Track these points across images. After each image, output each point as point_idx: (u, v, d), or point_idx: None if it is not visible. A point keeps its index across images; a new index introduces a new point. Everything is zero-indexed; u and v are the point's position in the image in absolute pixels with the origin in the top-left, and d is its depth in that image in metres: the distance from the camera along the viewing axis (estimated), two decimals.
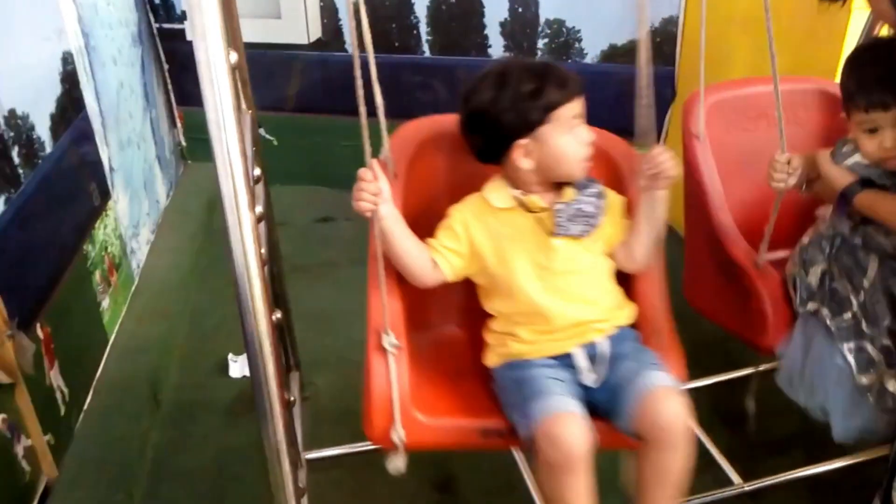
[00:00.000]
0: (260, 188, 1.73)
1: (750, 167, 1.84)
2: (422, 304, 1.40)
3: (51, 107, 2.10)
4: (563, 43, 3.02)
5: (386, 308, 1.26)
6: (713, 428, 1.93)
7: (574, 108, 1.29)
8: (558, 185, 1.33)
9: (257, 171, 1.62)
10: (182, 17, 3.20)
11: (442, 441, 1.27)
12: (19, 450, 1.74)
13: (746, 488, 1.90)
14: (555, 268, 1.27)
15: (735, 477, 1.92)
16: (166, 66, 3.28)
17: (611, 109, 3.16)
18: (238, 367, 2.39)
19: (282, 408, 1.10)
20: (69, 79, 2.24)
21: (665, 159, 1.24)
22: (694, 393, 2.15)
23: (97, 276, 2.30)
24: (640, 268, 1.35)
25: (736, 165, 1.56)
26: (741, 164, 1.68)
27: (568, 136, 1.28)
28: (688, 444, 1.19)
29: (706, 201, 1.71)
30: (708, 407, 1.83)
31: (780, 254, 1.98)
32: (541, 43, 3.05)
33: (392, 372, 1.21)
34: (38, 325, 1.87)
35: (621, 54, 3.04)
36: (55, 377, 1.94)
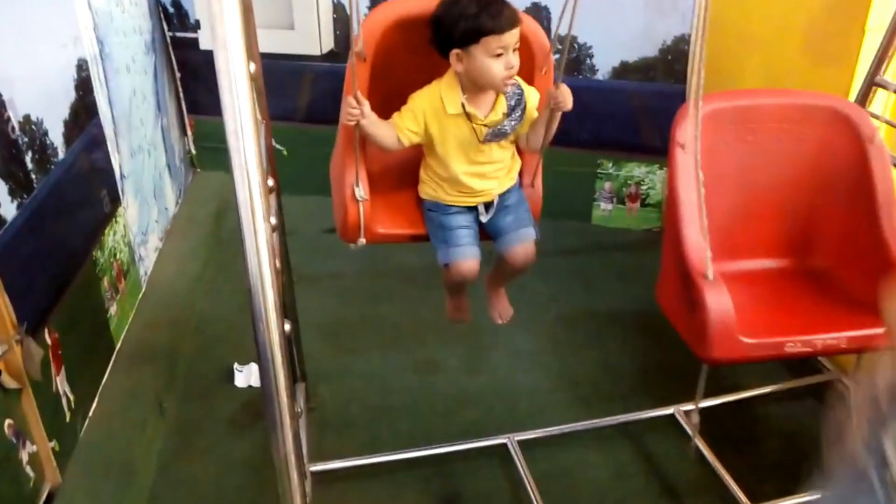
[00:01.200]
0: (273, 198, 1.73)
1: (742, 176, 1.84)
2: (380, 168, 1.92)
3: (64, 113, 2.11)
4: (574, 59, 3.03)
5: (358, 168, 1.73)
6: (721, 448, 1.92)
7: (502, 40, 1.60)
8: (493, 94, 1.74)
9: (271, 182, 1.62)
10: (195, 27, 3.21)
11: (388, 240, 1.89)
12: (24, 456, 1.74)
13: None
14: (478, 159, 1.77)
15: (742, 497, 1.91)
16: (178, 75, 3.30)
17: (623, 125, 3.20)
18: (243, 376, 2.38)
19: (291, 420, 1.10)
20: (83, 85, 2.25)
21: (564, 96, 1.65)
22: (705, 413, 2.16)
23: (105, 282, 2.30)
24: (532, 153, 1.85)
25: (728, 174, 1.55)
26: (733, 173, 1.68)
27: (490, 59, 1.62)
28: (528, 269, 1.86)
29: (676, 209, 1.75)
30: (716, 427, 1.82)
31: (763, 263, 1.98)
32: (555, 59, 3.05)
33: (361, 210, 1.76)
34: (46, 331, 1.87)
35: (632, 71, 3.04)
36: (61, 383, 1.94)
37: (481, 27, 1.60)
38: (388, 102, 1.76)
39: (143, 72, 2.91)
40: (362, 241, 1.80)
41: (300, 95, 3.31)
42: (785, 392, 2.32)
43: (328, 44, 3.16)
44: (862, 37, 2.17)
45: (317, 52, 3.14)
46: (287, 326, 1.18)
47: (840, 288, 1.91)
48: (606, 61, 3.05)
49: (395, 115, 1.76)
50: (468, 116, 1.72)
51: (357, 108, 1.65)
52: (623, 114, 3.12)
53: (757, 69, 2.58)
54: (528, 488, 1.94)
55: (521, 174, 1.89)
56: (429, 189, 1.86)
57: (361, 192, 1.75)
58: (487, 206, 1.85)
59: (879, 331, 1.73)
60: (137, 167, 2.72)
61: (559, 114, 1.71)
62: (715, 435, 2.05)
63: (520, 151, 1.86)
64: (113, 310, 2.34)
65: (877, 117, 2.12)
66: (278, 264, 1.08)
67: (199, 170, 3.52)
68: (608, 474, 2.10)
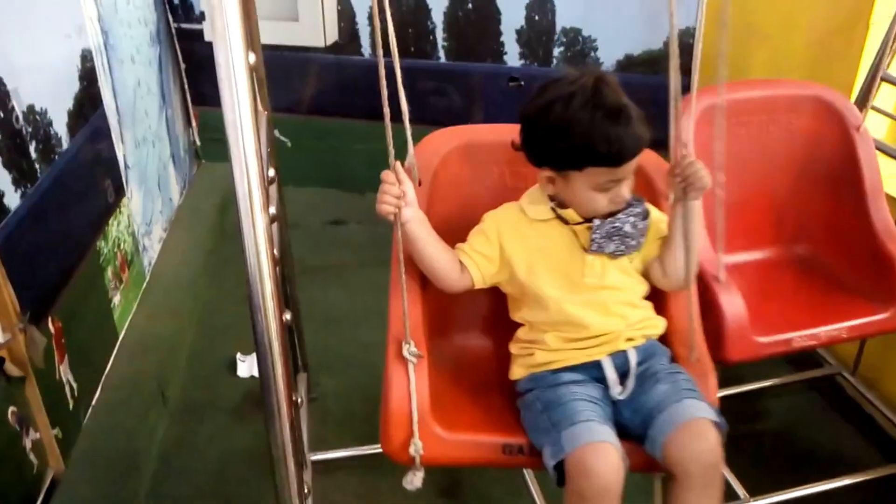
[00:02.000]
0: (274, 189, 1.74)
1: (736, 168, 1.82)
2: (446, 312, 1.37)
3: (69, 103, 2.12)
4: (578, 52, 3.02)
5: (407, 315, 1.20)
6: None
7: (616, 174, 1.19)
8: None
9: (272, 173, 1.63)
10: (200, 18, 3.22)
11: (461, 457, 1.23)
12: (27, 443, 1.75)
13: (753, 503, 1.89)
14: (586, 282, 1.24)
15: (741, 491, 1.91)
16: (183, 66, 3.30)
17: None
18: (246, 366, 2.40)
19: (289, 409, 1.11)
20: (87, 76, 2.26)
21: (696, 168, 1.20)
22: None
23: (109, 272, 2.31)
24: (675, 286, 1.30)
25: (725, 166, 1.56)
26: (727, 167, 1.66)
27: (594, 192, 1.20)
28: (720, 484, 1.15)
29: None
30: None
31: (754, 255, 1.97)
32: (556, 51, 3.06)
33: (412, 383, 1.18)
34: (49, 320, 1.88)
35: (637, 64, 3.04)
36: (65, 372, 1.95)
37: (592, 153, 1.15)
38: (451, 238, 1.34)
39: (148, 63, 2.91)
40: (417, 452, 1.17)
41: (304, 87, 3.31)
42: (785, 386, 2.32)
43: (332, 36, 3.16)
44: (866, 31, 2.16)
45: (321, 45, 3.13)
46: (287, 316, 1.19)
47: (830, 276, 1.92)
48: (611, 54, 3.04)
49: (461, 243, 1.30)
50: (562, 220, 1.24)
51: (395, 185, 1.14)
52: None
53: (762, 62, 2.57)
54: (528, 479, 1.95)
55: (667, 340, 1.32)
56: (523, 359, 1.27)
57: (413, 347, 1.19)
58: (622, 375, 1.22)
59: (876, 318, 1.75)
60: (142, 158, 2.73)
61: (697, 204, 1.21)
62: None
63: (663, 313, 1.30)
64: (116, 299, 2.35)
65: (880, 111, 2.12)
66: (277, 254, 1.09)
67: (203, 161, 3.53)
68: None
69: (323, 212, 3.15)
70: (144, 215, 2.71)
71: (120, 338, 2.36)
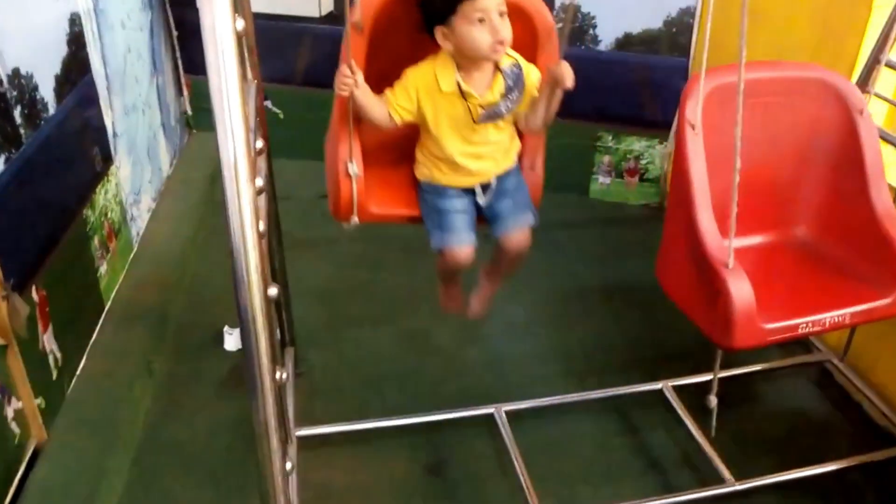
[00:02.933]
0: (262, 160, 1.71)
1: (741, 149, 1.82)
2: (374, 145, 1.83)
3: (56, 68, 2.07)
4: (577, 28, 2.98)
5: (352, 143, 1.66)
6: (708, 424, 1.92)
7: (478, 4, 1.55)
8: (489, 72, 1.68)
9: (260, 143, 1.60)
10: None
11: (382, 219, 1.82)
12: (9, 412, 1.74)
13: (738, 487, 1.90)
14: (473, 139, 1.72)
15: (727, 475, 1.91)
16: (175, 33, 3.25)
17: (624, 98, 3.16)
18: (233, 339, 2.38)
19: (272, 383, 1.09)
20: (76, 40, 2.21)
21: (565, 73, 1.58)
22: (692, 389, 2.16)
23: (96, 241, 2.28)
24: (532, 133, 1.78)
25: (727, 149, 1.53)
26: (732, 150, 1.65)
27: (473, 26, 1.57)
28: (523, 258, 1.82)
29: (690, 197, 1.70)
30: (704, 403, 1.82)
31: (755, 239, 1.96)
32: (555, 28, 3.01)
33: (353, 188, 1.69)
34: (33, 288, 1.86)
35: (636, 43, 3.00)
36: (48, 341, 1.93)
37: None
38: (384, 79, 1.70)
39: (139, 28, 2.86)
40: (355, 220, 1.73)
41: (298, 58, 3.26)
42: (775, 371, 2.32)
43: (327, 6, 3.12)
44: (868, 14, 2.13)
45: (315, 14, 3.09)
46: (273, 290, 1.16)
47: (831, 261, 1.91)
48: (610, 32, 3.01)
49: (388, 90, 1.70)
50: (463, 95, 1.66)
51: (350, 78, 1.58)
52: (625, 86, 3.07)
53: (764, 45, 2.53)
54: (514, 458, 1.94)
55: (520, 156, 1.83)
56: (424, 169, 1.79)
57: (355, 168, 1.68)
58: (485, 188, 1.79)
59: (879, 303, 1.74)
60: (131, 126, 2.69)
61: (560, 92, 1.64)
62: (702, 411, 2.05)
63: (519, 132, 1.80)
64: (103, 269, 2.33)
65: (881, 97, 2.09)
66: (262, 227, 1.06)
67: (194, 130, 3.49)
68: (594, 447, 2.11)
69: (315, 185, 3.09)
70: (133, 184, 2.67)
71: (106, 307, 2.34)
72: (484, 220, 1.82)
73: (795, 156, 1.93)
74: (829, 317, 1.72)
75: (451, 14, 1.57)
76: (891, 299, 1.74)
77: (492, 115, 1.69)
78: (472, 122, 1.69)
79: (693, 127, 1.71)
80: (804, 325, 1.70)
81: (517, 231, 1.78)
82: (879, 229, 1.79)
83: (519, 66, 1.68)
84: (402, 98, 1.69)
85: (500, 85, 1.67)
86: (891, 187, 1.89)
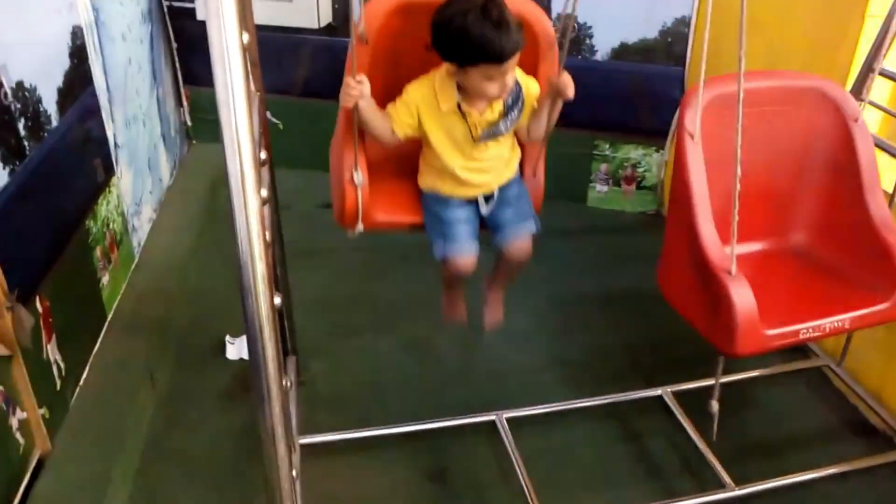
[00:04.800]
0: (265, 171, 1.73)
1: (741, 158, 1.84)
2: (379, 157, 1.86)
3: (58, 80, 2.09)
4: (573, 39, 3.01)
5: (357, 152, 1.70)
6: (706, 429, 1.93)
7: (501, 68, 1.58)
8: None
9: (263, 154, 1.62)
10: None
11: (386, 228, 1.86)
12: (14, 422, 1.75)
13: (738, 492, 1.91)
14: (474, 155, 1.74)
15: (728, 480, 1.93)
16: (175, 45, 3.27)
17: (620, 106, 3.19)
18: (235, 348, 2.39)
19: (279, 391, 1.10)
20: (78, 53, 2.23)
21: (566, 84, 1.63)
22: (691, 395, 2.17)
23: (98, 252, 2.30)
24: (532, 143, 1.81)
25: (725, 157, 1.55)
26: (731, 158, 1.67)
27: (485, 81, 1.60)
28: (527, 263, 1.85)
29: (690, 205, 1.72)
30: (704, 409, 1.83)
31: (754, 246, 1.98)
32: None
33: (359, 196, 1.72)
34: (37, 299, 1.87)
35: (632, 52, 3.03)
36: (52, 351, 1.94)
37: (482, 54, 1.55)
38: (389, 91, 1.72)
39: (139, 41, 2.88)
40: (360, 227, 1.75)
41: (297, 69, 3.28)
42: (773, 376, 2.33)
43: (326, 17, 3.14)
44: (862, 24, 2.16)
45: (315, 26, 3.11)
46: (277, 300, 1.18)
47: (829, 267, 1.93)
48: (606, 42, 3.03)
49: (390, 106, 1.72)
50: (463, 115, 1.68)
51: (356, 88, 1.59)
52: (621, 95, 3.10)
53: (759, 54, 2.56)
54: (515, 465, 1.96)
55: (521, 163, 1.86)
56: (427, 179, 1.82)
57: (360, 176, 1.70)
58: (487, 198, 1.82)
59: (877, 308, 1.75)
60: (132, 137, 2.71)
61: (561, 103, 1.68)
62: (701, 416, 2.06)
63: (520, 141, 1.83)
64: (105, 279, 2.34)
65: (875, 105, 2.12)
66: (268, 237, 1.08)
67: (194, 141, 3.51)
68: (595, 454, 2.12)
69: (315, 194, 3.13)
70: (134, 195, 2.69)
71: (108, 318, 2.35)
72: (486, 227, 1.84)
73: (793, 164, 1.95)
74: (830, 322, 1.74)
75: (471, 65, 1.58)
76: (889, 303, 1.76)
77: (492, 133, 1.71)
78: (472, 140, 1.71)
79: (692, 136, 1.73)
80: (805, 330, 1.72)
81: (519, 240, 1.81)
82: (876, 235, 1.81)
83: (518, 84, 1.69)
84: (404, 114, 1.71)
85: (499, 104, 1.70)
86: (886, 193, 1.91)
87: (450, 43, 1.59)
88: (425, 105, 1.70)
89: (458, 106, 1.68)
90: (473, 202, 1.81)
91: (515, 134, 1.80)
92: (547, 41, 1.74)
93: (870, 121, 2.20)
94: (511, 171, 1.83)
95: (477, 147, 1.73)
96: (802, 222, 2.00)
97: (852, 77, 2.15)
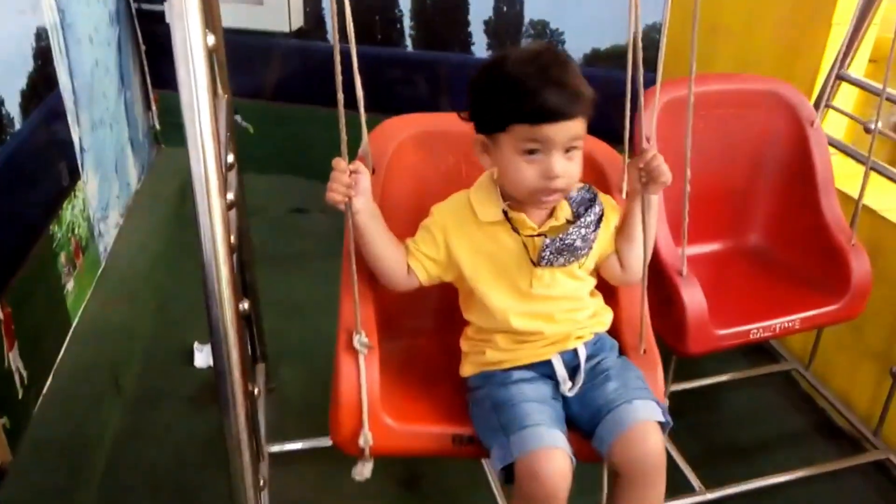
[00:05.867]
0: (233, 175, 1.71)
1: (693, 161, 1.85)
2: (396, 304, 1.36)
3: (22, 83, 2.05)
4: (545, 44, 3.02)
5: (358, 306, 1.19)
6: (677, 435, 1.94)
7: (538, 133, 1.11)
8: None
9: (231, 158, 1.59)
10: None
11: (410, 448, 1.24)
12: None
13: (708, 496, 1.92)
14: (534, 293, 1.20)
15: (697, 484, 1.93)
16: (143, 47, 3.23)
17: (593, 111, 3.20)
18: (203, 356, 2.35)
19: (244, 399, 1.09)
20: (42, 55, 2.19)
21: (659, 162, 1.18)
22: None
23: (62, 257, 2.25)
24: (632, 280, 1.27)
25: (681, 159, 1.57)
26: (683, 159, 1.69)
27: (520, 158, 1.13)
28: (662, 481, 1.18)
29: None
30: (673, 414, 1.84)
31: (709, 247, 2.00)
32: (524, 43, 3.05)
33: (362, 374, 1.17)
34: None
35: (603, 58, 3.04)
36: (14, 359, 1.89)
37: (511, 107, 1.10)
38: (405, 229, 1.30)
39: (107, 43, 2.84)
40: (367, 445, 1.18)
41: (268, 73, 3.26)
42: (742, 380, 2.35)
43: (298, 21, 3.12)
44: (828, 30, 2.19)
45: (286, 30, 3.09)
46: (245, 305, 1.16)
47: (783, 268, 1.96)
48: (578, 47, 3.05)
49: (409, 240, 1.26)
50: (512, 225, 1.17)
51: (345, 173, 1.11)
52: (594, 100, 3.12)
53: (727, 60, 2.59)
54: (487, 471, 1.94)
55: (616, 332, 1.31)
56: (473, 356, 1.25)
57: (364, 338, 1.18)
58: (571, 370, 1.22)
59: (828, 309, 1.78)
60: (98, 141, 2.66)
61: (655, 198, 1.20)
62: (673, 420, 2.07)
63: (611, 294, 1.29)
64: (70, 286, 2.29)
65: (839, 110, 2.15)
66: (234, 241, 1.06)
67: (163, 146, 3.46)
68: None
69: (285, 199, 3.11)
70: (101, 200, 2.64)
71: (73, 325, 2.30)
72: (575, 428, 1.19)
73: (748, 166, 1.98)
74: (780, 322, 1.76)
75: (499, 130, 1.14)
76: (839, 304, 1.79)
77: (561, 250, 1.15)
78: (530, 263, 1.17)
79: (648, 139, 1.74)
80: (756, 330, 1.74)
81: (640, 427, 1.13)
82: (829, 237, 1.84)
83: (591, 192, 1.23)
84: (426, 243, 1.21)
85: (565, 211, 1.21)
86: (842, 194, 1.94)
87: (480, 97, 1.16)
88: (456, 223, 1.20)
89: (505, 214, 1.18)
90: (550, 381, 1.21)
91: (600, 273, 1.28)
92: (615, 170, 1.40)
93: (836, 126, 2.24)
94: (600, 323, 1.27)
95: (538, 277, 1.19)
96: (758, 224, 2.03)
97: (819, 83, 2.18)
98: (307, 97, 3.13)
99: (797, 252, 1.94)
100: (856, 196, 1.90)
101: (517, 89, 1.09)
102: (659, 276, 1.69)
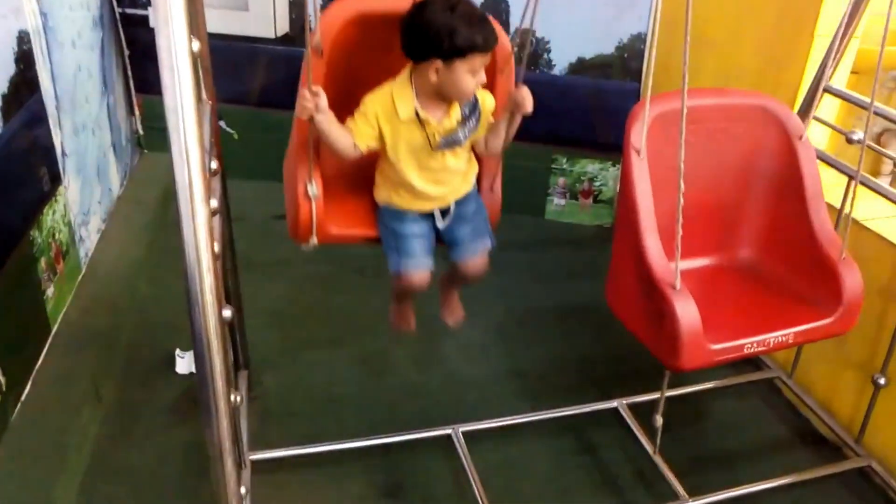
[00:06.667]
0: (217, 181, 1.69)
1: (683, 175, 1.87)
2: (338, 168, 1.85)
3: (3, 87, 2.03)
4: (531, 53, 3.03)
5: (312, 164, 1.67)
6: (662, 442, 1.94)
7: (486, 59, 1.61)
8: (448, 100, 1.70)
9: (215, 164, 1.58)
10: (146, 3, 3.13)
11: (340, 242, 1.84)
12: None
13: (692, 503, 1.92)
14: (431, 166, 1.73)
15: (682, 491, 1.94)
16: (127, 52, 3.21)
17: (578, 121, 3.22)
18: (185, 363, 2.33)
19: (227, 406, 1.07)
20: (24, 59, 2.17)
21: (524, 98, 1.64)
22: (647, 407, 2.18)
23: (42, 263, 2.23)
24: (491, 155, 1.82)
25: (671, 173, 1.57)
26: (676, 175, 1.69)
27: (470, 75, 1.61)
28: (481, 278, 1.87)
29: (636, 220, 1.73)
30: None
31: (700, 261, 2.01)
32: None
33: (313, 209, 1.70)
34: None
35: (589, 67, 3.06)
36: None
37: (474, 44, 1.57)
38: (345, 103, 1.69)
39: (90, 47, 2.82)
40: (314, 241, 1.74)
41: (253, 78, 3.25)
42: (726, 388, 2.36)
43: (283, 27, 3.11)
44: (811, 42, 2.21)
45: (271, 35, 3.08)
46: (227, 312, 1.15)
47: (774, 282, 1.95)
48: (564, 56, 3.06)
49: (349, 120, 1.70)
50: (421, 122, 1.67)
51: (311, 101, 1.57)
52: (578, 110, 3.13)
53: (712, 71, 2.61)
54: (471, 479, 1.94)
55: (478, 178, 1.85)
56: (383, 193, 1.80)
57: (314, 189, 1.69)
58: (444, 212, 1.80)
59: (821, 323, 1.78)
60: (81, 146, 2.64)
61: (519, 116, 1.68)
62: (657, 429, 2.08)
63: (477, 156, 1.82)
64: (50, 291, 2.27)
65: (822, 122, 2.17)
66: (217, 248, 1.05)
67: (146, 151, 3.44)
68: (550, 466, 2.11)
69: (269, 206, 3.09)
70: (82, 205, 2.62)
71: (53, 331, 2.27)
72: (442, 242, 1.83)
73: (738, 180, 1.98)
74: (773, 337, 1.76)
75: (459, 58, 1.58)
76: (832, 318, 1.79)
77: (450, 142, 1.70)
78: (430, 148, 1.70)
79: (638, 152, 1.74)
80: (749, 345, 1.73)
81: (476, 256, 1.82)
82: (819, 250, 1.85)
83: (475, 96, 1.70)
84: (364, 125, 1.69)
85: (456, 113, 1.70)
86: (833, 208, 1.95)
87: (437, 38, 1.57)
88: (384, 114, 1.69)
89: (417, 114, 1.67)
90: (429, 216, 1.80)
91: (473, 148, 1.79)
92: (504, 56, 1.74)
93: (818, 137, 2.26)
94: (468, 185, 1.82)
95: (434, 157, 1.71)
96: (748, 238, 2.03)
97: (801, 94, 2.20)
98: (292, 103, 3.10)
99: (789, 266, 1.94)
100: (838, 206, 1.92)
101: (478, 30, 1.58)
102: (651, 291, 1.68)
